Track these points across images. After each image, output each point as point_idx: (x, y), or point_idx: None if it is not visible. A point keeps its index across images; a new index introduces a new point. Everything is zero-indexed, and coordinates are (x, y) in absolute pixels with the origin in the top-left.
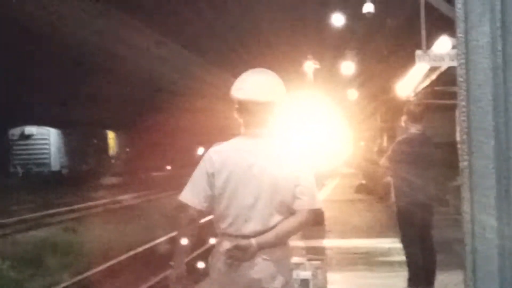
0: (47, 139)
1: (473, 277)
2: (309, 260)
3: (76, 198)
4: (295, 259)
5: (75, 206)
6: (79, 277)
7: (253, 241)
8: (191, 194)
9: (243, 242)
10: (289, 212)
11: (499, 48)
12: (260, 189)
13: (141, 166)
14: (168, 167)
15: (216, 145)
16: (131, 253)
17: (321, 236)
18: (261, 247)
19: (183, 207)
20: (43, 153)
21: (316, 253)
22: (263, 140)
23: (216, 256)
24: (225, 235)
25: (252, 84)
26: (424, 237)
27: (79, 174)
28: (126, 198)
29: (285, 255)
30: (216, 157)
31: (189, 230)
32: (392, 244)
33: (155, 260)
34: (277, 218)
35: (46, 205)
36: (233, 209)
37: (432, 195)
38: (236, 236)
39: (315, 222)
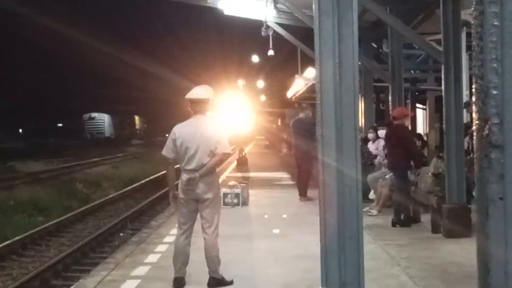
0: (103, 120)
1: (323, 193)
2: (240, 183)
3: (118, 150)
4: (232, 183)
5: (117, 154)
6: (120, 191)
7: (197, 173)
8: (166, 150)
9: (193, 174)
10: (213, 155)
11: (338, 76)
12: (198, 145)
13: (152, 134)
14: (167, 135)
15: (178, 124)
16: (148, 178)
17: (246, 171)
18: (201, 176)
19: (164, 154)
20: (101, 127)
21: (243, 180)
22: (200, 119)
23: (180, 182)
24: (183, 170)
25: (195, 91)
26: (308, 169)
27: (120, 138)
28: (144, 150)
29: (213, 179)
30: (176, 130)
31: (170, 168)
32: (283, 175)
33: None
34: (207, 159)
35: (102, 153)
36: (186, 157)
37: (311, 150)
38: (188, 170)
39: (242, 164)
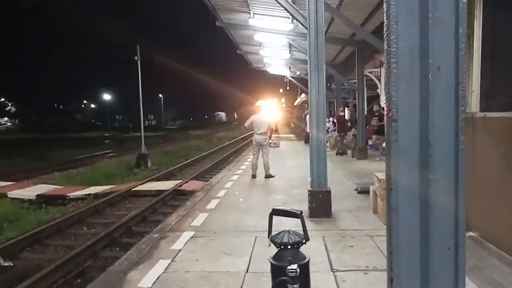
0: (222, 114)
1: (311, 142)
2: (276, 139)
3: (228, 126)
4: (274, 139)
5: (227, 127)
6: (229, 142)
7: (265, 135)
8: (246, 124)
9: (261, 136)
10: (268, 128)
11: (317, 96)
12: (262, 124)
13: (240, 120)
14: (246, 120)
15: (253, 115)
16: (239, 137)
17: (278, 133)
18: (263, 135)
19: (245, 126)
20: (221, 117)
21: (277, 138)
22: (261, 114)
23: (253, 137)
24: (255, 133)
25: (258, 102)
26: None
27: (228, 122)
28: (238, 126)
29: (267, 137)
30: (253, 117)
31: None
32: (292, 136)
33: (245, 137)
34: (266, 129)
35: (222, 127)
36: (257, 128)
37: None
38: (258, 134)
39: (276, 131)
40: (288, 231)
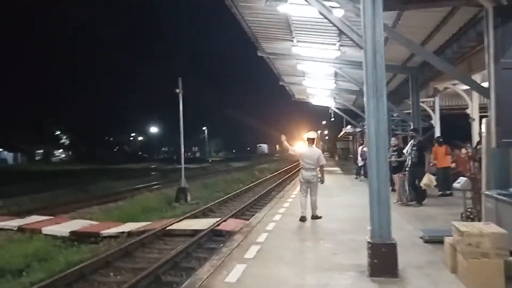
0: (264, 146)
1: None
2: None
3: (270, 158)
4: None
5: (270, 159)
6: (270, 174)
7: (314, 171)
8: (291, 151)
9: (308, 172)
10: (318, 164)
11: (375, 125)
12: (312, 158)
13: (282, 152)
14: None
15: (301, 146)
16: (282, 169)
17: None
18: (312, 172)
19: (291, 150)
20: (263, 149)
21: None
22: (312, 147)
23: (300, 173)
24: (303, 168)
25: (310, 133)
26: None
27: (270, 154)
28: (281, 158)
29: (316, 174)
30: (302, 149)
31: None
32: (338, 169)
33: (286, 171)
34: (315, 165)
35: (264, 159)
36: (305, 162)
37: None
38: (306, 169)
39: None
40: None
